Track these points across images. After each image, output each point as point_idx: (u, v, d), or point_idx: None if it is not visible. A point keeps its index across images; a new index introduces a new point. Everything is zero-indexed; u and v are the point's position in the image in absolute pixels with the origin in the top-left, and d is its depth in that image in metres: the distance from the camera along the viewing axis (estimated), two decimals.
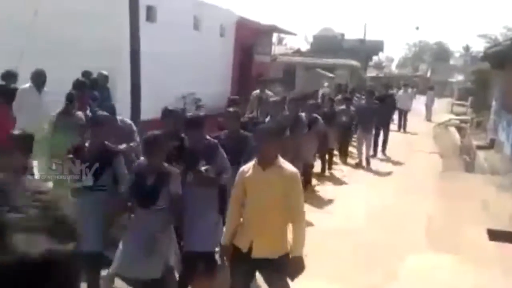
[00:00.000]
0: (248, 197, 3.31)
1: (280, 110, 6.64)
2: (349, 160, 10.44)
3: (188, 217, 3.80)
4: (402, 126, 15.91)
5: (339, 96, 12.44)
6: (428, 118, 19.59)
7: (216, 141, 4.16)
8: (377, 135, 10.95)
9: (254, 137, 3.78)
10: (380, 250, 5.27)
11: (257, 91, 9.31)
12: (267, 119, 6.46)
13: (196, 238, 3.78)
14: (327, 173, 9.15)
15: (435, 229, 5.96)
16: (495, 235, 5.57)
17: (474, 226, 5.87)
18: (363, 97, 12.98)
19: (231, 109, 5.23)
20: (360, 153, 10.15)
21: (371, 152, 10.56)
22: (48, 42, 9.42)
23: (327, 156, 9.19)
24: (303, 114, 7.33)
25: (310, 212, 6.56)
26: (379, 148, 11.19)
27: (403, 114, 16.02)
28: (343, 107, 10.22)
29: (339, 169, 9.74)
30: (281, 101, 7.17)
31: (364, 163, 10.00)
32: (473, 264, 4.85)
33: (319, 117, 7.81)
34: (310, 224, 6.10)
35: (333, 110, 9.58)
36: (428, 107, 20.07)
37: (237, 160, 4.17)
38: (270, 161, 3.22)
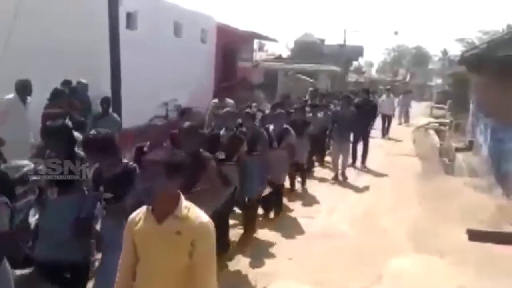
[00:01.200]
0: (140, 260, 2.32)
1: (233, 123, 5.50)
2: (327, 173, 9.65)
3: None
4: (385, 132, 15.64)
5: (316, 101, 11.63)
6: (405, 121, 19.84)
7: (134, 165, 3.35)
8: (355, 142, 10.18)
9: (141, 173, 2.76)
10: (363, 254, 5.32)
11: (216, 99, 8.17)
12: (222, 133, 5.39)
13: None
14: (299, 190, 8.18)
15: (417, 231, 6.03)
16: (474, 236, 5.67)
17: (454, 227, 5.97)
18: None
19: (186, 124, 4.30)
20: (335, 166, 9.20)
21: (350, 161, 9.83)
22: (26, 51, 9.29)
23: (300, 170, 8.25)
24: (270, 127, 6.62)
25: (294, 216, 6.63)
26: (359, 158, 10.36)
27: (387, 119, 15.81)
28: (311, 115, 9.27)
29: (314, 183, 8.84)
30: (237, 112, 6.20)
31: (340, 177, 9.12)
32: (455, 265, 4.93)
33: (289, 128, 6.85)
34: (294, 228, 6.16)
35: (303, 118, 8.20)
36: (405, 110, 20.28)
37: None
38: (168, 209, 2.23)
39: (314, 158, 9.77)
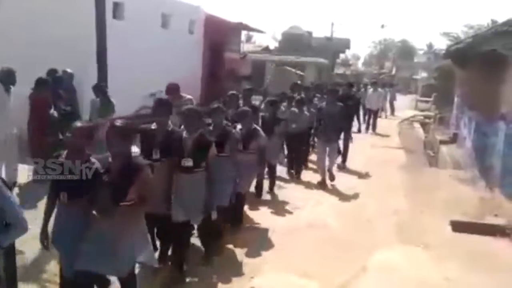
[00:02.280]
0: None
1: (196, 123, 4.50)
2: (310, 175, 8.58)
3: None
4: (371, 126, 15.03)
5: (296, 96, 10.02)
6: (391, 113, 19.99)
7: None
8: (346, 140, 9.41)
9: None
10: (348, 246, 5.38)
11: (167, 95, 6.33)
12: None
13: None
14: (267, 196, 7.21)
15: (402, 223, 6.13)
16: (458, 227, 5.79)
17: (439, 218, 6.08)
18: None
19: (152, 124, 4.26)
20: (322, 170, 8.08)
21: (339, 159, 9.14)
22: (10, 41, 9.14)
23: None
24: (237, 128, 5.68)
25: (279, 209, 6.67)
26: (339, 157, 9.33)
27: (373, 114, 15.13)
28: (294, 109, 8.34)
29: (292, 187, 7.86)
30: (196, 110, 4.83)
31: (328, 181, 8.10)
32: (439, 256, 5.03)
33: (258, 128, 5.97)
34: (279, 220, 6.21)
35: (274, 116, 7.32)
36: (391, 103, 20.45)
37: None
38: None
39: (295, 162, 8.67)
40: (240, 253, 5.07)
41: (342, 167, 9.39)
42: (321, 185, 7.97)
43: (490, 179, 7.41)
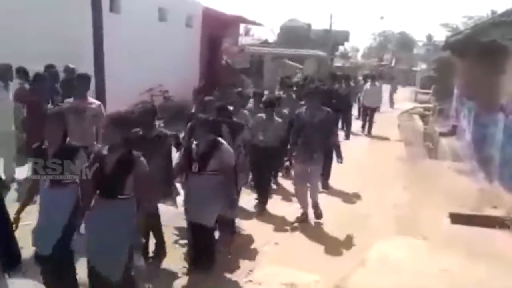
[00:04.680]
0: None
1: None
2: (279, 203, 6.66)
3: None
4: (367, 127, 12.97)
5: (282, 94, 8.47)
6: (390, 106, 19.89)
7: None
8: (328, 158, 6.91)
9: None
10: (347, 238, 5.39)
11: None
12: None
13: None
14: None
15: (401, 215, 6.13)
16: (457, 219, 5.78)
17: (438, 210, 6.07)
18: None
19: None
20: (303, 202, 5.97)
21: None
22: (6, 35, 9.08)
23: None
24: (194, 142, 4.42)
25: (277, 203, 6.66)
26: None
27: (369, 112, 13.01)
28: (262, 115, 6.29)
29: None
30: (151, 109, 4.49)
31: (311, 216, 6.02)
32: (438, 248, 5.03)
33: (220, 140, 4.45)
34: (280, 215, 6.20)
35: (230, 120, 5.45)
36: (391, 96, 20.36)
37: None
38: None
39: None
40: (238, 247, 5.06)
41: (325, 188, 7.30)
42: (302, 221, 5.90)
43: (489, 171, 7.40)
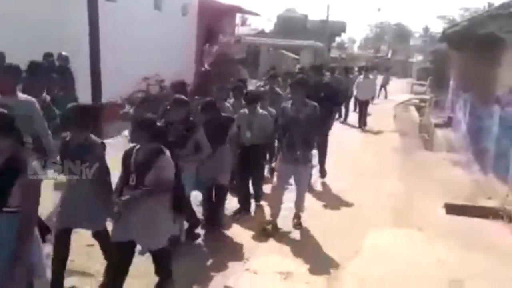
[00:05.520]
0: None
1: None
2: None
3: None
4: (362, 122, 12.49)
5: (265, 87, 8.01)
6: (385, 97, 19.88)
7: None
8: (322, 157, 7.29)
9: None
10: (342, 230, 5.41)
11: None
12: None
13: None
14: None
15: (396, 206, 6.16)
16: (452, 209, 5.83)
17: (433, 201, 6.11)
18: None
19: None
20: (275, 208, 5.34)
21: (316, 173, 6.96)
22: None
23: None
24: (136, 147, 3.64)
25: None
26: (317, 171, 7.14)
27: (363, 106, 12.56)
28: (245, 110, 5.70)
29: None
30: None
31: (289, 221, 5.42)
32: (433, 239, 5.07)
33: (162, 148, 3.52)
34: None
35: (217, 115, 5.05)
36: (384, 88, 20.33)
37: None
38: None
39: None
40: (235, 237, 5.09)
41: (323, 174, 7.31)
42: (268, 234, 5.12)
43: (484, 162, 7.44)
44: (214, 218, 5.15)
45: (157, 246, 3.42)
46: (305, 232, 5.25)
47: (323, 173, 7.33)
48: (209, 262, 4.50)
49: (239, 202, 5.75)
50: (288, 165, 5.14)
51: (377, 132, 11.94)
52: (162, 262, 3.51)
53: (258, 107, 5.71)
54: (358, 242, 4.97)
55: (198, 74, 15.22)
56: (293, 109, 5.17)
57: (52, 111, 6.11)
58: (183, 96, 4.67)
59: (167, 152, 3.41)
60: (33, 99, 4.61)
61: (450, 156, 8.67)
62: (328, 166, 7.45)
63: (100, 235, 3.75)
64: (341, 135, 9.06)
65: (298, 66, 14.49)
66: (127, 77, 10.25)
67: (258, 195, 6.05)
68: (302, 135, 5.08)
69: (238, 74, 14.31)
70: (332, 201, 6.38)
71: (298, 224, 5.37)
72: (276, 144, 5.77)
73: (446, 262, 4.49)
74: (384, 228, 5.42)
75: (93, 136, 3.61)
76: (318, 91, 6.44)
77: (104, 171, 3.59)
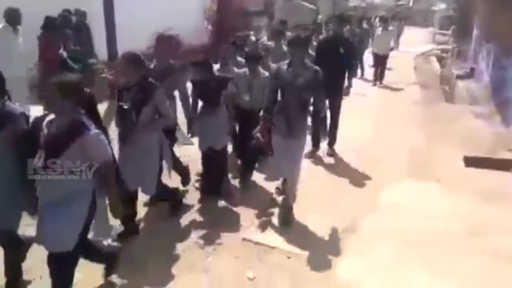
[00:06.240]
0: None
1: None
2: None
3: None
4: (377, 77, 11.75)
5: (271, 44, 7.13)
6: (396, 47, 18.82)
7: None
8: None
9: None
10: (360, 181, 5.43)
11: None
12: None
13: None
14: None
15: (415, 158, 6.12)
16: (470, 162, 5.77)
17: (453, 153, 6.06)
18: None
19: None
20: (278, 192, 4.95)
21: (325, 138, 6.23)
22: None
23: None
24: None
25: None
26: (326, 137, 6.26)
27: (381, 60, 11.71)
28: (244, 70, 5.27)
29: None
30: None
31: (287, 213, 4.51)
32: (450, 191, 5.06)
33: (85, 123, 2.78)
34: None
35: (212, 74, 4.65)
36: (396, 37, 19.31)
37: None
38: None
39: None
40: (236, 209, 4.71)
41: (330, 154, 6.31)
42: (263, 225, 4.38)
43: (506, 114, 7.28)
44: (214, 188, 4.76)
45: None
46: (321, 187, 5.26)
47: (331, 142, 6.32)
48: (206, 233, 4.17)
49: (240, 173, 5.21)
50: (282, 137, 4.28)
51: (396, 86, 11.67)
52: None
53: (260, 68, 5.25)
54: (376, 195, 5.00)
55: (212, 28, 14.91)
56: (290, 72, 4.27)
57: (68, 67, 6.15)
58: (134, 51, 3.90)
59: (93, 129, 2.71)
60: (21, 110, 3.63)
61: (472, 108, 8.48)
62: (345, 120, 6.55)
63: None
64: (357, 90, 8.62)
65: (319, 17, 13.53)
66: (141, 30, 10.10)
67: (244, 177, 5.18)
68: (298, 104, 4.26)
69: (254, 28, 13.97)
70: (349, 153, 6.34)
71: (289, 219, 4.42)
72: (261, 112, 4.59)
73: (463, 214, 4.50)
74: (403, 180, 5.42)
75: (12, 104, 2.92)
76: (337, 47, 5.84)
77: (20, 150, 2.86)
